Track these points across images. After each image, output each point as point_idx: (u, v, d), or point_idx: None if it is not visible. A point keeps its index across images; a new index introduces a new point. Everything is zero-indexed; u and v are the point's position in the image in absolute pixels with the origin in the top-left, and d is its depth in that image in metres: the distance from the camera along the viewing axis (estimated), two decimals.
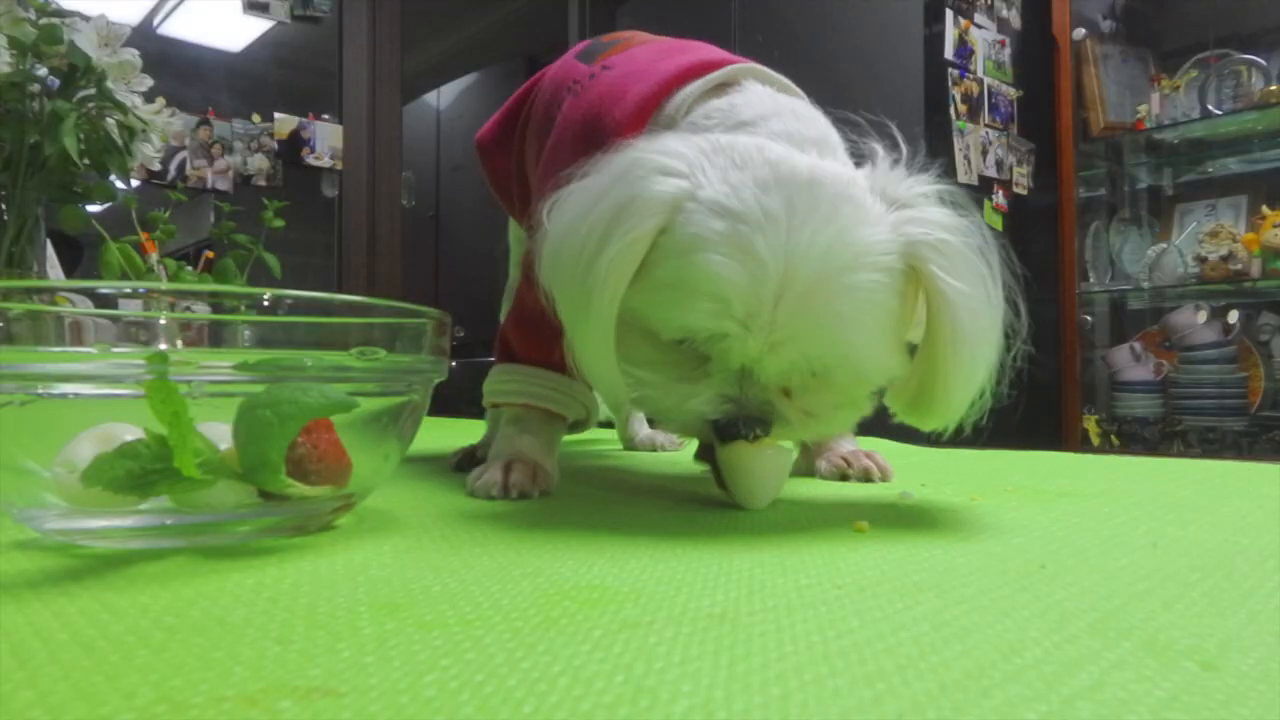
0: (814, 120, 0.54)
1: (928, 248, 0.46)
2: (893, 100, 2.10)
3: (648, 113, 0.57)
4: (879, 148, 0.51)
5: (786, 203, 0.44)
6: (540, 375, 0.65)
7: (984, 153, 2.12)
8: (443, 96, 4.01)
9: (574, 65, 0.69)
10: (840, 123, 0.57)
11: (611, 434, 1.06)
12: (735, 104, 0.55)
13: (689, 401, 0.48)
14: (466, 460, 0.77)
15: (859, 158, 0.53)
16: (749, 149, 0.46)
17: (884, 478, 0.67)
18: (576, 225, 0.46)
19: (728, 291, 0.43)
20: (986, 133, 2.13)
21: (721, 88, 0.57)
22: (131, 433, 0.36)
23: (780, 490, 0.53)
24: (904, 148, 0.51)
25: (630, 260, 0.45)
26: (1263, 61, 2.15)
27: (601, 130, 0.57)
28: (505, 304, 0.93)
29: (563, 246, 0.47)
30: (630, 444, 1.02)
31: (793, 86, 0.62)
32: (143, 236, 0.82)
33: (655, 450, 0.98)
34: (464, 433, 0.96)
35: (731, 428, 0.48)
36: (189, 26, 2.45)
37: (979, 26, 2.14)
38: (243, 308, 0.42)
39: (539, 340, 0.64)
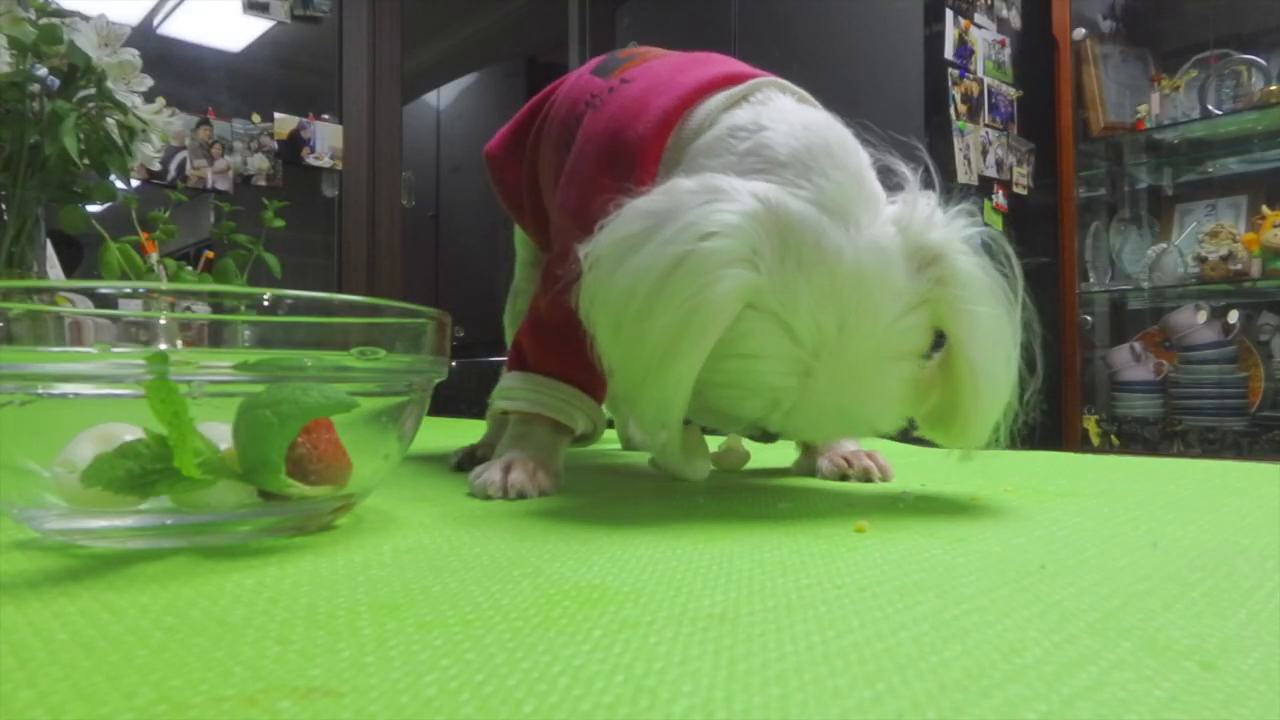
0: (854, 164, 0.53)
1: (953, 311, 0.49)
2: (893, 100, 2.10)
3: (670, 125, 0.57)
4: (910, 175, 0.53)
5: (839, 320, 0.47)
6: (552, 386, 0.65)
7: (984, 153, 2.12)
8: (443, 96, 4.01)
9: (591, 80, 0.69)
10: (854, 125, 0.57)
11: (611, 434, 1.06)
12: (760, 121, 0.54)
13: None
14: (467, 460, 0.78)
15: (886, 178, 0.54)
16: (805, 239, 0.47)
17: (884, 477, 0.67)
18: (635, 304, 0.46)
19: (780, 397, 0.49)
20: (986, 133, 2.13)
21: (743, 100, 0.57)
22: (131, 433, 0.36)
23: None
24: (933, 173, 0.53)
25: (702, 359, 0.46)
26: (1263, 61, 2.15)
27: (624, 144, 0.58)
28: (510, 306, 0.93)
29: (620, 325, 0.47)
30: (630, 444, 1.02)
31: (809, 98, 0.61)
32: (143, 236, 0.82)
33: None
34: (464, 433, 0.96)
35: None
36: (189, 26, 2.45)
37: (979, 26, 2.14)
38: (243, 308, 0.42)
39: (555, 353, 0.64)
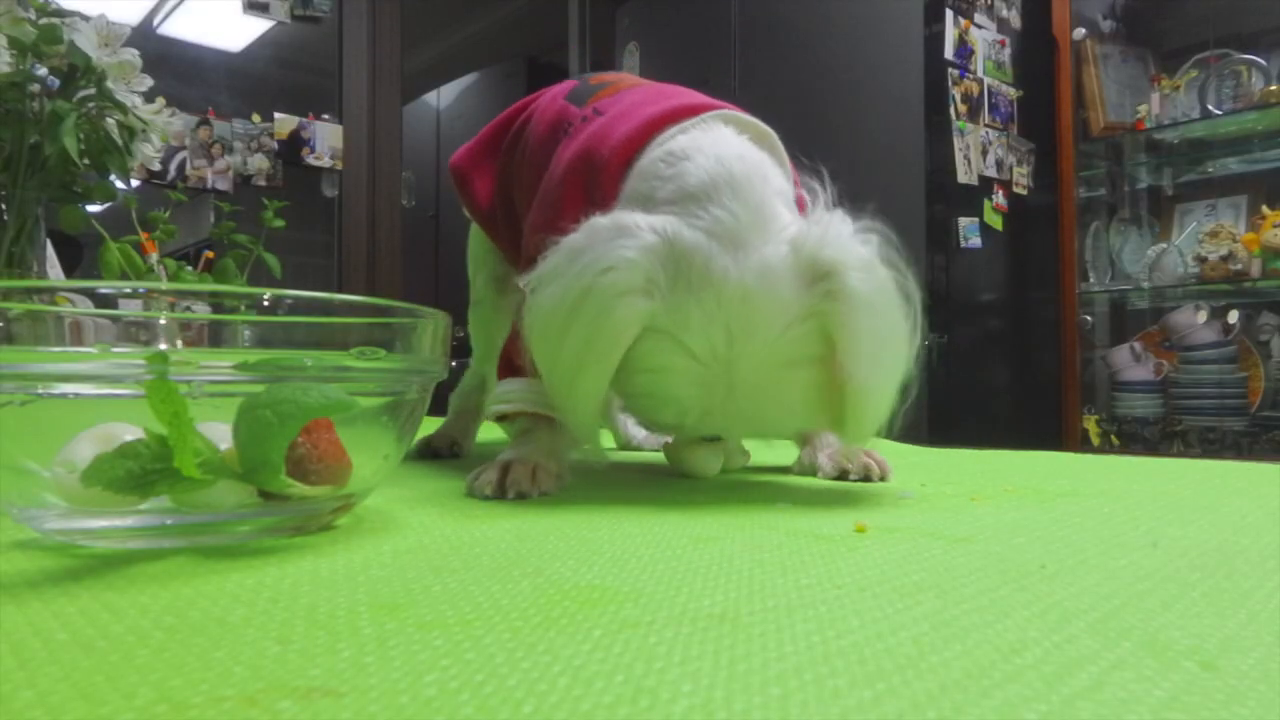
0: (758, 193, 0.57)
1: (837, 324, 0.53)
2: (893, 100, 2.10)
3: (631, 153, 0.62)
4: (819, 191, 0.59)
5: (728, 335, 0.53)
6: (541, 385, 0.65)
7: (984, 153, 2.12)
8: (443, 96, 4.01)
9: (566, 107, 0.73)
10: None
11: (610, 434, 1.06)
12: (687, 151, 0.59)
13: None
14: (425, 449, 0.87)
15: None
16: (695, 265, 0.53)
17: (883, 475, 0.67)
18: (554, 328, 0.54)
19: (688, 405, 0.56)
20: (986, 133, 2.13)
21: (688, 129, 0.62)
22: (131, 433, 0.36)
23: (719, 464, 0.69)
24: (829, 190, 0.59)
25: (606, 376, 0.54)
26: (1263, 61, 2.15)
27: (592, 165, 0.63)
28: (474, 315, 0.93)
29: (544, 344, 0.55)
30: (627, 444, 1.02)
31: (765, 130, 0.66)
32: (143, 236, 0.82)
33: (655, 450, 0.98)
34: None
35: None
36: (189, 26, 2.45)
37: (979, 26, 2.15)
38: (243, 308, 0.42)
39: None
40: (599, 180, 0.62)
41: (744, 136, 0.63)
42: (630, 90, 0.71)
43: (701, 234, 0.54)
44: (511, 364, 0.69)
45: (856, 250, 0.55)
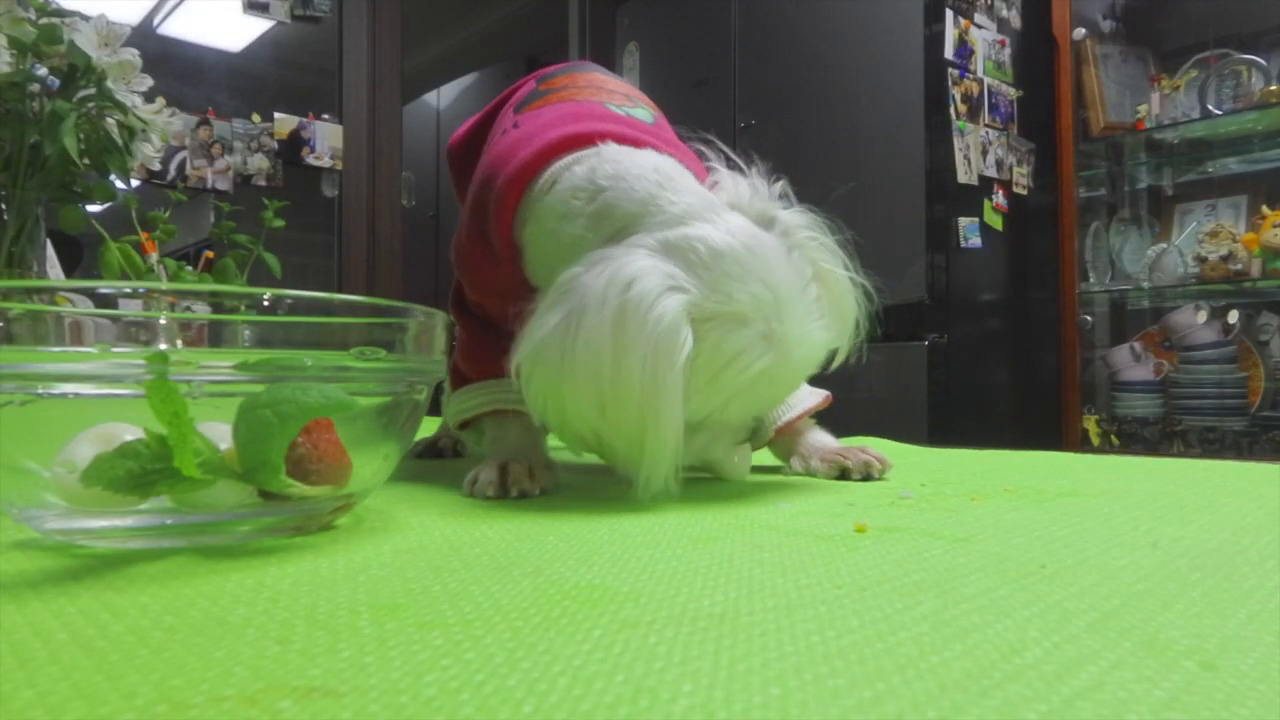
0: (688, 183, 0.59)
1: (814, 249, 0.59)
2: (893, 100, 2.10)
3: (524, 182, 0.61)
4: (718, 166, 0.61)
5: (763, 283, 0.53)
6: (499, 384, 0.67)
7: (984, 153, 2.12)
8: (443, 96, 4.01)
9: (507, 114, 0.72)
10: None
11: None
12: (596, 181, 0.58)
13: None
14: (428, 450, 0.86)
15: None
16: (696, 249, 0.53)
17: (884, 470, 0.67)
18: (603, 365, 0.50)
19: (770, 374, 0.54)
20: (986, 133, 2.13)
21: (578, 161, 0.61)
22: (131, 433, 0.36)
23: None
24: (720, 155, 0.62)
25: (680, 391, 0.51)
26: (1263, 61, 2.15)
27: (491, 189, 0.62)
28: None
29: (591, 390, 0.51)
30: None
31: (642, 136, 0.65)
32: (143, 236, 0.82)
33: None
34: None
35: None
36: (189, 26, 2.45)
37: (979, 26, 2.15)
38: (243, 308, 0.42)
39: (488, 357, 0.66)
40: (494, 211, 0.62)
41: (644, 150, 0.61)
42: (550, 107, 0.68)
43: (680, 230, 0.54)
44: (461, 375, 0.71)
45: (773, 199, 0.60)
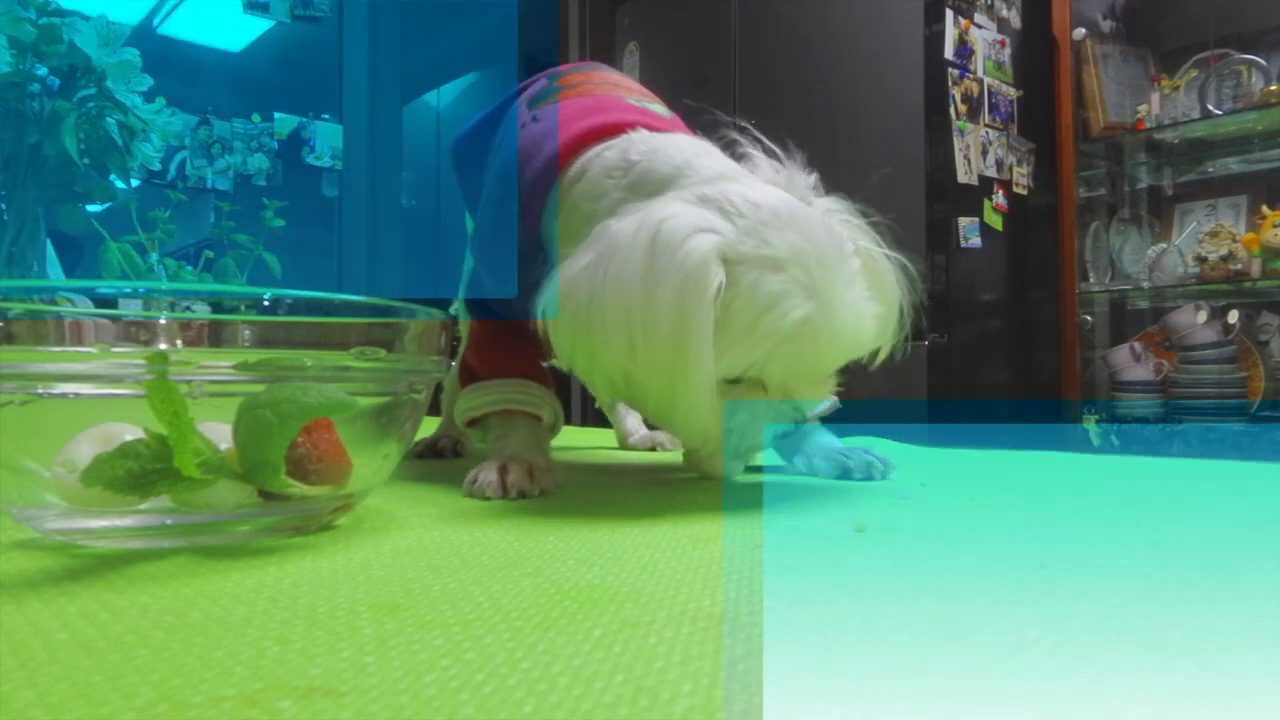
0: (720, 159, 0.59)
1: (854, 229, 0.58)
2: (893, 100, 2.10)
3: (554, 173, 0.62)
4: (754, 152, 0.60)
5: (801, 234, 0.52)
6: (509, 383, 0.67)
7: (984, 153, 2.12)
8: (443, 96, 4.01)
9: (522, 109, 0.73)
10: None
11: (610, 433, 1.06)
12: (630, 158, 0.59)
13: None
14: (428, 450, 0.87)
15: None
16: (731, 198, 0.52)
17: (885, 469, 0.67)
18: (634, 298, 0.49)
19: (812, 322, 0.51)
20: (986, 133, 2.13)
21: (609, 147, 0.61)
22: (131, 433, 0.36)
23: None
24: (756, 144, 0.61)
25: (710, 330, 0.49)
26: (1263, 61, 2.15)
27: (523, 178, 0.63)
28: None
29: (622, 327, 0.49)
30: (627, 443, 1.02)
31: (673, 125, 0.67)
32: (143, 236, 0.82)
33: (654, 450, 0.98)
34: None
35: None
36: (189, 26, 2.45)
37: (979, 26, 2.14)
38: (243, 308, 0.42)
39: (500, 356, 0.68)
40: (523, 201, 0.63)
41: (675, 133, 0.63)
42: (569, 101, 0.69)
43: (717, 185, 0.53)
44: (471, 372, 0.70)
45: (807, 191, 0.59)
